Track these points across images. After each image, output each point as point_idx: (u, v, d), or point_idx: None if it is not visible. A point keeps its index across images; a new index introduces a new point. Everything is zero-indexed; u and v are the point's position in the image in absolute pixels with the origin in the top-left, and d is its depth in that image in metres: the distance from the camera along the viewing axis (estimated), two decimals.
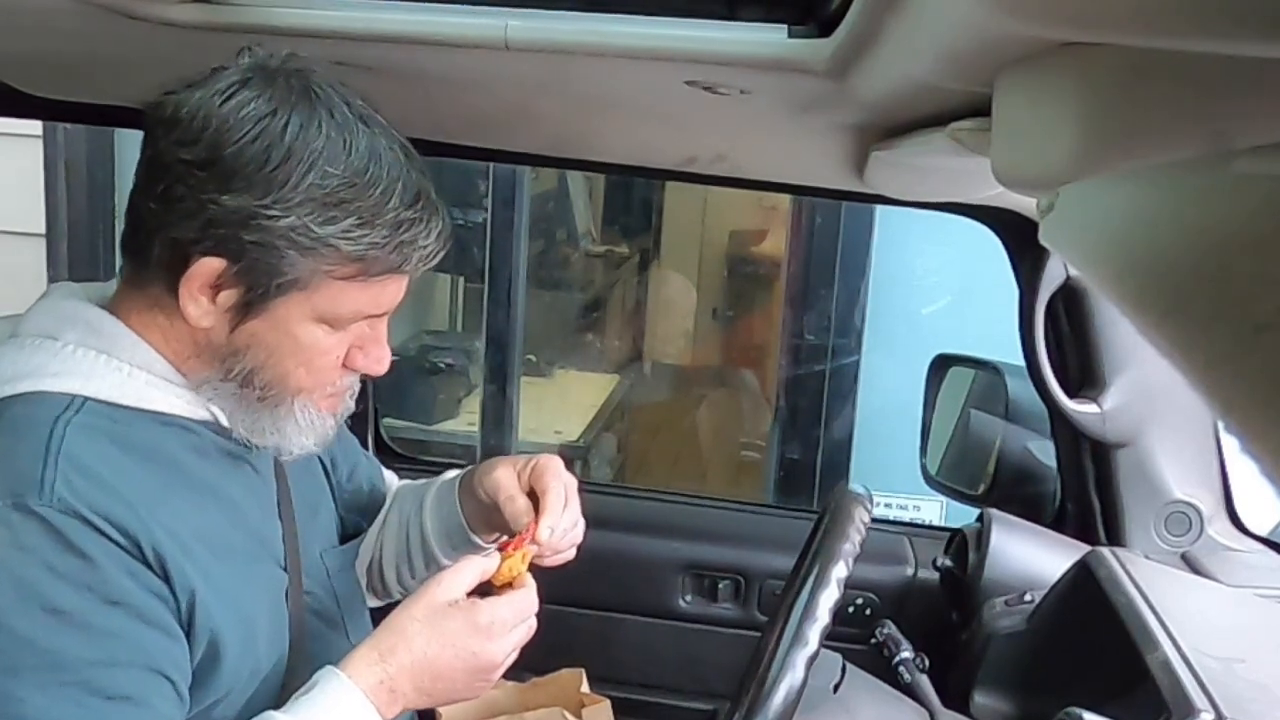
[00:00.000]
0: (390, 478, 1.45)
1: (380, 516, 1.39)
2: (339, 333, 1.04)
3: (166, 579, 0.97)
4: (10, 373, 1.00)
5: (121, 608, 0.93)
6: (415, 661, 1.03)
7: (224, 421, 1.07)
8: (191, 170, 0.96)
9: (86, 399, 0.99)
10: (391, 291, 1.04)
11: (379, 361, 1.08)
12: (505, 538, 1.13)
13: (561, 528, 1.16)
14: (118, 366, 1.02)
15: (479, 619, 1.05)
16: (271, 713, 1.00)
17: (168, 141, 0.98)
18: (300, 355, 1.03)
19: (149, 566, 0.95)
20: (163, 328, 1.03)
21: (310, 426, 1.08)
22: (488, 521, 1.25)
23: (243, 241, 0.96)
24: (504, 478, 1.20)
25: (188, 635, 0.99)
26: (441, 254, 1.05)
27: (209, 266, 0.98)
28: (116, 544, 0.94)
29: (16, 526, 0.91)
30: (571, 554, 1.20)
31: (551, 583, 1.30)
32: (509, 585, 1.10)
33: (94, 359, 1.01)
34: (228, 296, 0.99)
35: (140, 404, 1.02)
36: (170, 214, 0.98)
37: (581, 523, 1.20)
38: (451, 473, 1.34)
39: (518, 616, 1.08)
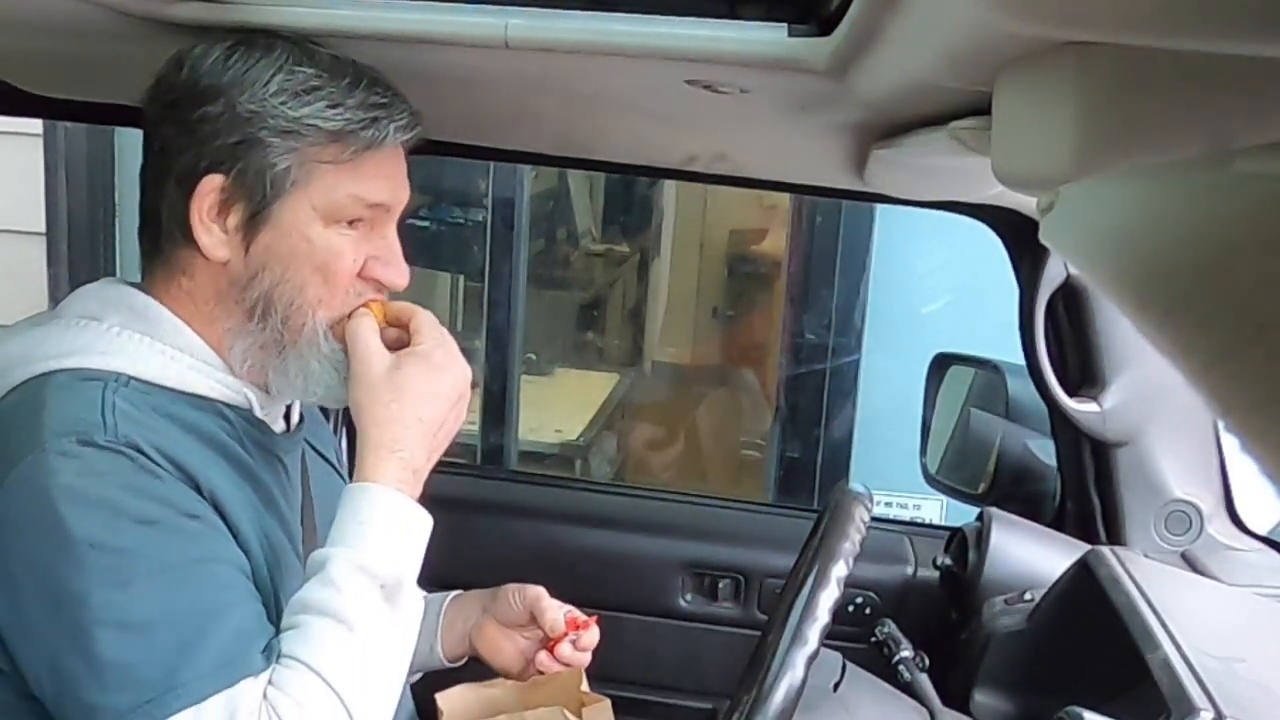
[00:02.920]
0: None
1: None
2: (351, 235, 1.06)
3: (226, 524, 0.99)
4: (57, 349, 1.01)
5: (199, 520, 0.96)
6: (417, 433, 1.04)
7: (258, 411, 1.09)
8: (175, 110, 1.03)
9: (131, 378, 1.01)
10: (382, 175, 1.07)
11: (399, 273, 1.10)
12: None
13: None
14: (161, 350, 1.04)
15: (433, 358, 1.06)
16: (324, 550, 0.99)
17: (156, 109, 1.05)
18: (315, 258, 1.05)
19: (209, 509, 0.98)
20: (189, 291, 1.06)
21: (334, 361, 1.08)
22: (476, 642, 1.31)
23: (231, 146, 1.02)
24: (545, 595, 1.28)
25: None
26: (416, 130, 1.08)
27: (210, 184, 1.02)
28: (181, 482, 0.96)
29: (87, 457, 0.93)
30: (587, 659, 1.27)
31: (552, 583, 1.31)
32: (397, 324, 1.10)
33: (138, 341, 1.03)
34: (235, 215, 1.03)
35: (181, 386, 1.04)
36: (169, 158, 1.04)
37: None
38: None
39: (441, 330, 1.09)
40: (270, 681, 0.92)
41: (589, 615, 1.27)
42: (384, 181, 1.07)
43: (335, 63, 1.04)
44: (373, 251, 1.08)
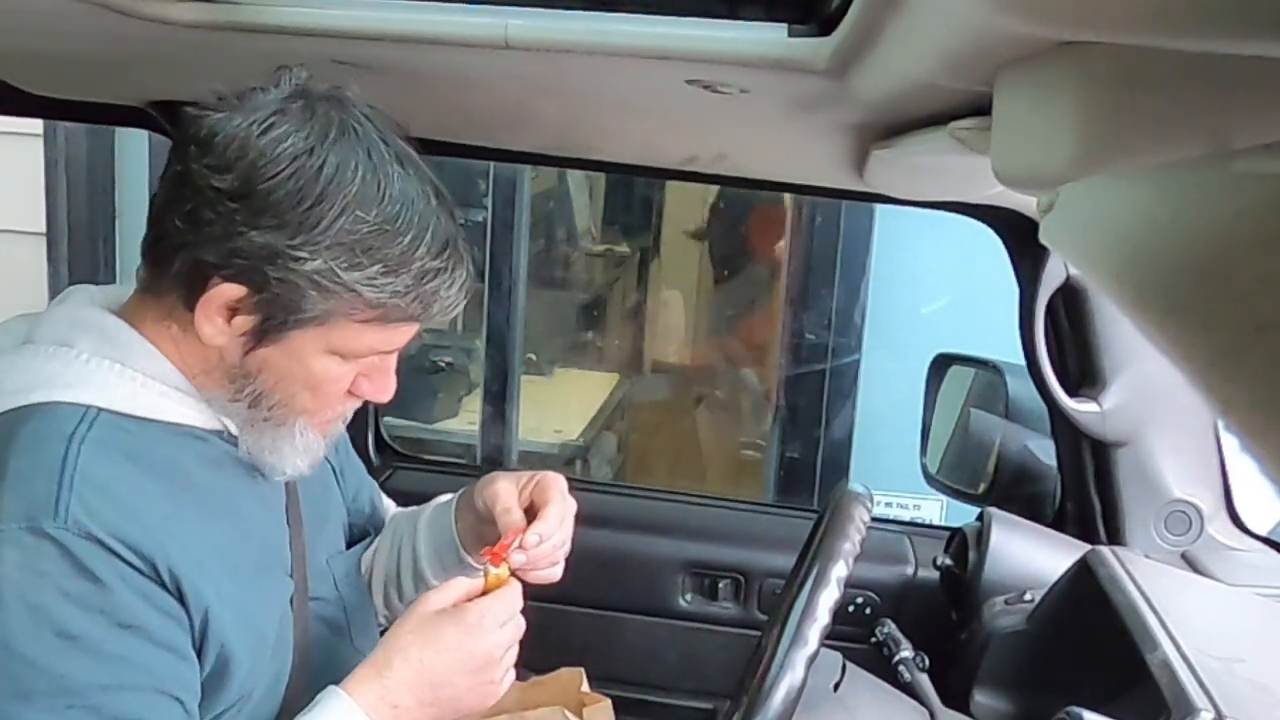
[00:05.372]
0: (388, 504, 1.46)
1: (374, 540, 1.39)
2: (350, 363, 1.05)
3: (181, 598, 0.97)
4: (25, 382, 1.00)
5: (133, 631, 0.94)
6: (413, 673, 1.03)
7: (234, 430, 1.08)
8: (223, 198, 0.96)
9: (101, 410, 0.99)
10: (405, 334, 1.05)
11: (384, 391, 1.09)
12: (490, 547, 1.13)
13: (552, 542, 1.15)
14: (132, 376, 1.02)
15: (467, 618, 1.05)
16: None
17: (200, 164, 0.97)
18: (310, 382, 1.04)
19: (164, 587, 0.96)
20: (175, 339, 1.04)
21: (306, 449, 1.09)
22: (480, 538, 1.24)
23: (266, 275, 0.97)
24: (503, 490, 1.20)
25: (200, 651, 0.99)
26: (463, 305, 1.06)
27: (229, 292, 0.98)
28: (131, 565, 0.94)
29: (31, 550, 0.91)
30: (556, 574, 1.19)
31: (553, 583, 1.30)
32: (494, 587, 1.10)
33: (108, 369, 1.01)
34: (244, 321, 1.00)
35: (153, 415, 1.02)
36: (196, 235, 0.98)
37: (568, 545, 1.19)
38: (446, 496, 1.34)
39: (506, 610, 1.08)
40: None
41: (591, 613, 1.25)
42: (405, 337, 1.06)
43: (403, 202, 0.98)
44: (365, 371, 1.07)
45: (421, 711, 1.04)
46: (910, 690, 1.38)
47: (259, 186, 0.95)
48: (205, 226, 0.97)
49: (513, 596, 1.09)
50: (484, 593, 1.09)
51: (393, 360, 1.09)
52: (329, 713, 1.01)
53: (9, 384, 1.00)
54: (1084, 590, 1.37)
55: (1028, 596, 1.47)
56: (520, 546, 1.13)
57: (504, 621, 1.07)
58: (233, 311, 0.99)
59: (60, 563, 0.91)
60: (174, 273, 1.00)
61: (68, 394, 0.99)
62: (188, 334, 1.02)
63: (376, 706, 1.02)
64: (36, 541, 0.91)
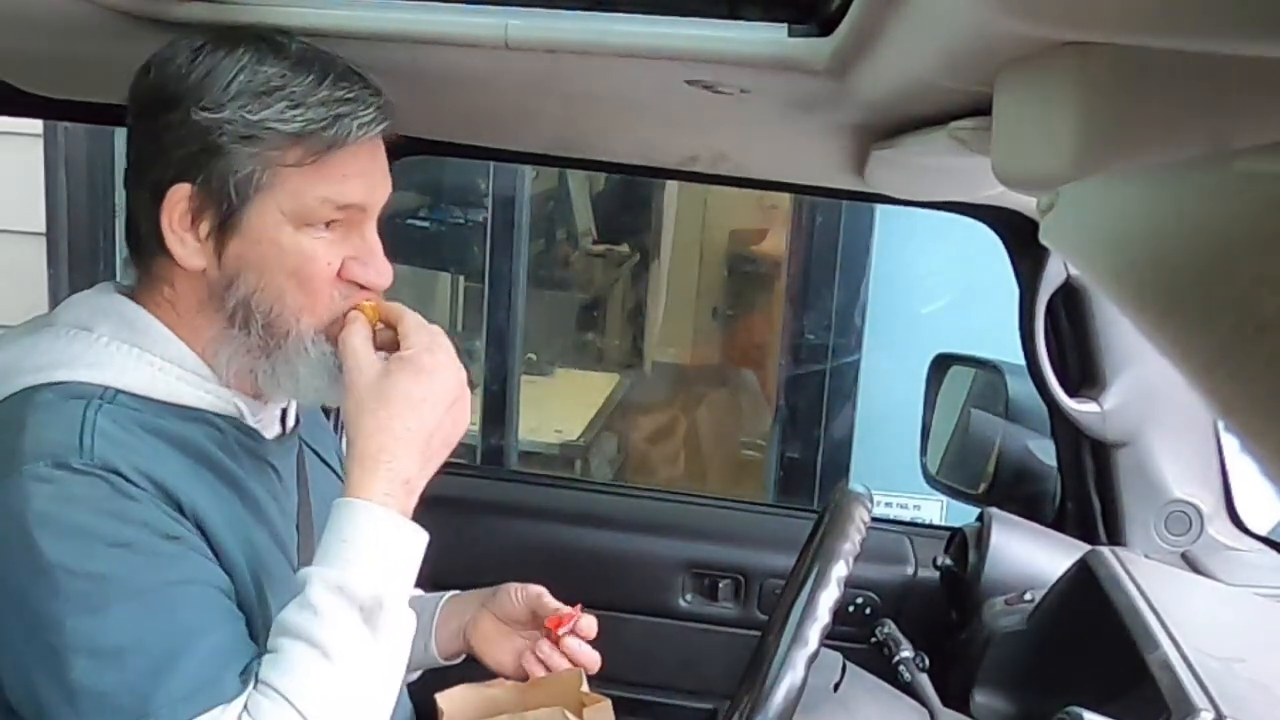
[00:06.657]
0: None
1: None
2: (326, 237, 1.04)
3: (209, 542, 0.98)
4: (45, 361, 1.01)
5: (177, 541, 0.95)
6: (405, 443, 1.00)
7: (249, 419, 1.08)
8: (142, 119, 1.03)
9: (118, 391, 1.00)
10: (353, 174, 1.04)
11: (379, 272, 1.07)
12: None
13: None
14: (150, 360, 1.03)
15: (420, 362, 1.02)
16: (305, 569, 0.98)
17: (130, 118, 1.05)
18: (287, 264, 1.03)
19: (191, 530, 0.97)
20: (171, 301, 1.06)
21: (323, 364, 1.06)
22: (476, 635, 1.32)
23: (193, 153, 1.01)
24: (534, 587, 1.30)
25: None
26: (385, 124, 1.04)
27: (178, 194, 1.02)
28: (160, 502, 0.95)
29: (61, 481, 0.92)
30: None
31: (552, 583, 1.31)
32: (389, 324, 1.06)
33: (127, 352, 1.03)
34: (205, 224, 1.02)
35: (170, 398, 1.03)
36: (141, 169, 1.04)
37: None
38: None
39: (431, 330, 1.05)
40: (245, 708, 0.91)
41: (591, 613, 1.27)
42: (355, 181, 1.04)
43: (301, 59, 1.02)
44: (350, 252, 1.05)
45: (426, 466, 1.02)
46: (910, 690, 1.38)
47: (166, 84, 1.01)
48: (144, 153, 1.04)
49: (418, 319, 1.06)
50: (374, 322, 1.05)
51: (374, 237, 1.07)
52: (355, 523, 0.98)
53: (30, 362, 1.01)
54: (1084, 590, 1.37)
55: (1028, 596, 1.47)
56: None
57: (443, 343, 1.04)
58: (193, 220, 1.02)
59: (93, 488, 0.92)
60: (143, 227, 1.04)
61: (87, 374, 1.00)
62: (178, 283, 1.05)
63: (391, 493, 0.99)
64: (65, 474, 0.92)
